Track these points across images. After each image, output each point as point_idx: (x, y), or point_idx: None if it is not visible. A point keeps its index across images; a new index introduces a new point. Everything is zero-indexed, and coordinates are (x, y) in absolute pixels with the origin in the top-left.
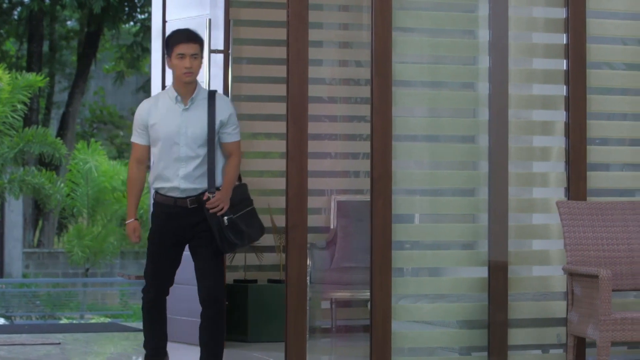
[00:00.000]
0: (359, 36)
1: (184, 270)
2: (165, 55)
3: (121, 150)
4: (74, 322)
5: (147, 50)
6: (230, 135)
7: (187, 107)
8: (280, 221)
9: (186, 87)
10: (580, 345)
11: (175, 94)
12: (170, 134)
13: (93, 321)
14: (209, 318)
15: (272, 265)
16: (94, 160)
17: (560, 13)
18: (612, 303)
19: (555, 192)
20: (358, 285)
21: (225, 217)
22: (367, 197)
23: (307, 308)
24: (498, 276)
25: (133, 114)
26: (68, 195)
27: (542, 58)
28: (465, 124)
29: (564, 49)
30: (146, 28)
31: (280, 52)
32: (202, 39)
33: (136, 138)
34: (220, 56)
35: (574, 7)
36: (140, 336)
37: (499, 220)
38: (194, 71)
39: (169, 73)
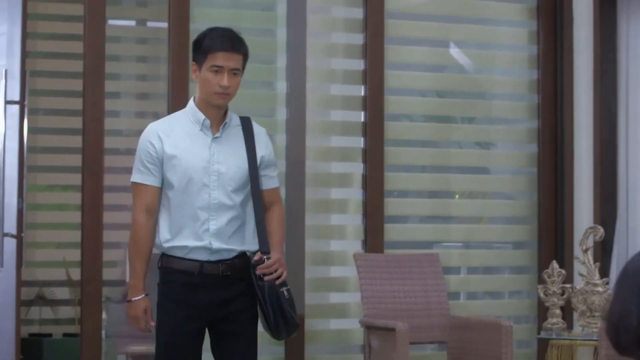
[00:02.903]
0: (156, 87)
1: None
2: (192, 62)
3: None
4: None
5: None
6: (271, 179)
7: (217, 135)
8: (76, 274)
9: (216, 109)
10: None
11: (203, 116)
12: (197, 171)
13: None
14: None
15: (67, 319)
16: None
17: (359, 65)
18: (409, 356)
19: (353, 244)
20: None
21: (285, 289)
22: None
23: None
24: None
25: None
26: None
27: (340, 110)
28: None
29: (362, 100)
30: None
31: (78, 104)
32: (247, 48)
33: (143, 177)
34: (16, 107)
35: (372, 59)
36: None
37: (296, 273)
38: (231, 92)
39: None
